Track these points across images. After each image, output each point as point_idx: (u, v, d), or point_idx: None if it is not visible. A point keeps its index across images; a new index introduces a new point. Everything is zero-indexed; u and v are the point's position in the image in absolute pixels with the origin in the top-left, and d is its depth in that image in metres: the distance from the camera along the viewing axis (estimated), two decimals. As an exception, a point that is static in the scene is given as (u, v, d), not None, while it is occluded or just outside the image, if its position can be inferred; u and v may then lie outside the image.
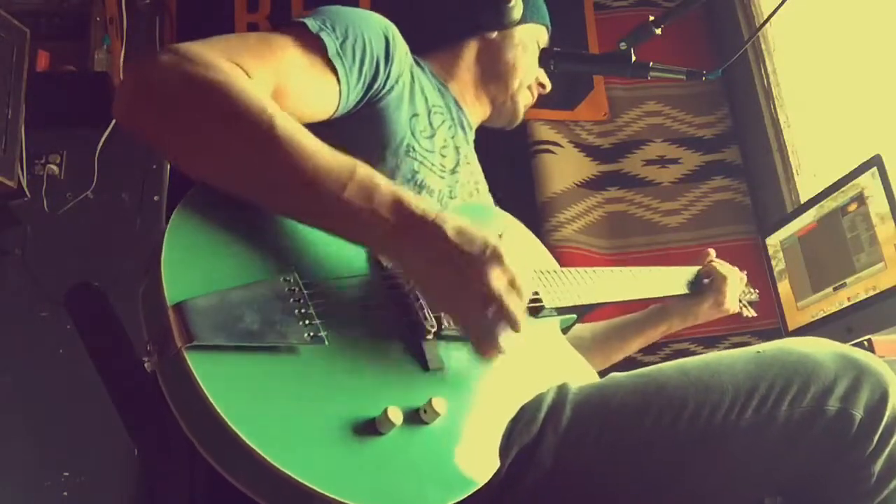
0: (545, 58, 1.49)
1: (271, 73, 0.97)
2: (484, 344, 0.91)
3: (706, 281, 1.67)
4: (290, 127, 0.88)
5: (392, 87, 1.15)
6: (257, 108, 0.87)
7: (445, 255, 0.88)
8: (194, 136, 0.88)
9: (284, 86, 0.99)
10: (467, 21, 1.41)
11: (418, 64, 1.31)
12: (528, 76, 1.47)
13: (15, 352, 2.07)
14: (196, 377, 0.74)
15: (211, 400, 0.74)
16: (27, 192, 2.17)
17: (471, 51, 1.42)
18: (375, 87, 1.13)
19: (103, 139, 2.25)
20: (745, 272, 1.81)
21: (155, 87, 0.88)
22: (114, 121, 2.25)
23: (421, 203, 0.90)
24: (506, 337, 0.90)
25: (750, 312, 1.80)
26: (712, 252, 1.74)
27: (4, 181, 2.04)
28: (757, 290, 1.86)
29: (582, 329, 1.64)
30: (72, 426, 1.99)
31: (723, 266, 1.69)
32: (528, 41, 1.46)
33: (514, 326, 0.90)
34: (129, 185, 2.28)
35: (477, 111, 1.46)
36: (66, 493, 1.97)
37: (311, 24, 1.05)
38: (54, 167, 2.26)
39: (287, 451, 0.75)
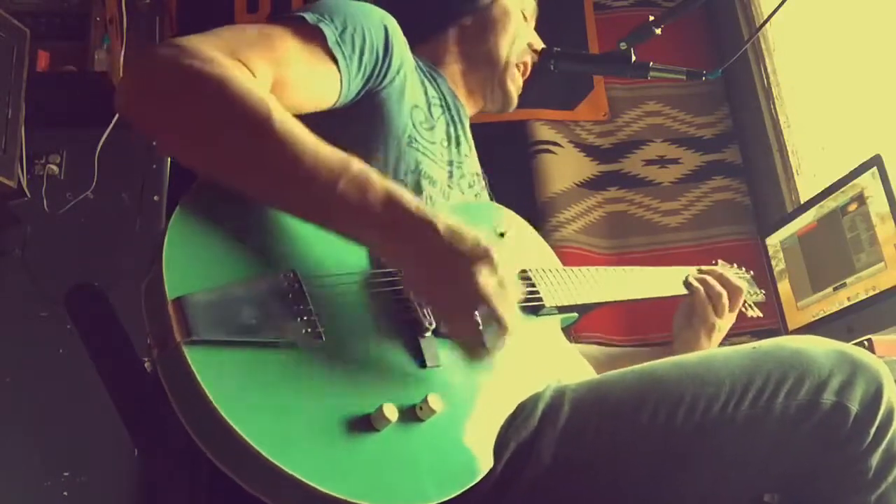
0: (545, 58, 1.49)
1: (271, 64, 0.97)
2: (471, 346, 0.91)
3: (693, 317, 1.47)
4: (288, 121, 0.88)
5: (393, 79, 1.15)
6: (256, 102, 0.87)
7: (436, 253, 0.88)
8: (193, 130, 0.88)
9: (284, 77, 0.99)
10: (440, 12, 1.41)
11: (414, 57, 1.31)
12: (513, 53, 1.43)
13: (15, 352, 2.06)
14: (194, 372, 0.75)
15: (208, 395, 0.75)
16: (27, 192, 2.17)
17: (452, 41, 1.41)
18: (375, 77, 1.13)
19: (103, 139, 2.25)
20: (752, 273, 1.80)
21: (155, 81, 0.89)
22: (114, 120, 2.26)
23: (414, 200, 0.90)
24: (495, 338, 0.89)
25: (755, 313, 1.76)
26: (699, 286, 1.49)
27: (4, 181, 2.04)
28: (763, 291, 1.81)
29: (591, 349, 1.64)
30: (72, 426, 1.99)
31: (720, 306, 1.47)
32: (507, 16, 1.42)
33: (503, 327, 0.89)
34: (129, 185, 2.28)
35: (470, 102, 1.45)
36: (66, 493, 1.97)
37: (310, 16, 1.06)
38: (54, 167, 2.26)
39: (283, 447, 0.76)
